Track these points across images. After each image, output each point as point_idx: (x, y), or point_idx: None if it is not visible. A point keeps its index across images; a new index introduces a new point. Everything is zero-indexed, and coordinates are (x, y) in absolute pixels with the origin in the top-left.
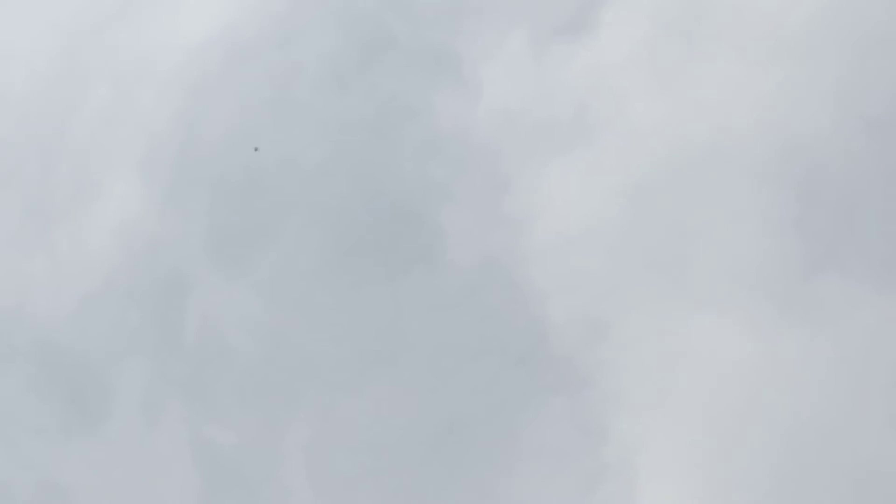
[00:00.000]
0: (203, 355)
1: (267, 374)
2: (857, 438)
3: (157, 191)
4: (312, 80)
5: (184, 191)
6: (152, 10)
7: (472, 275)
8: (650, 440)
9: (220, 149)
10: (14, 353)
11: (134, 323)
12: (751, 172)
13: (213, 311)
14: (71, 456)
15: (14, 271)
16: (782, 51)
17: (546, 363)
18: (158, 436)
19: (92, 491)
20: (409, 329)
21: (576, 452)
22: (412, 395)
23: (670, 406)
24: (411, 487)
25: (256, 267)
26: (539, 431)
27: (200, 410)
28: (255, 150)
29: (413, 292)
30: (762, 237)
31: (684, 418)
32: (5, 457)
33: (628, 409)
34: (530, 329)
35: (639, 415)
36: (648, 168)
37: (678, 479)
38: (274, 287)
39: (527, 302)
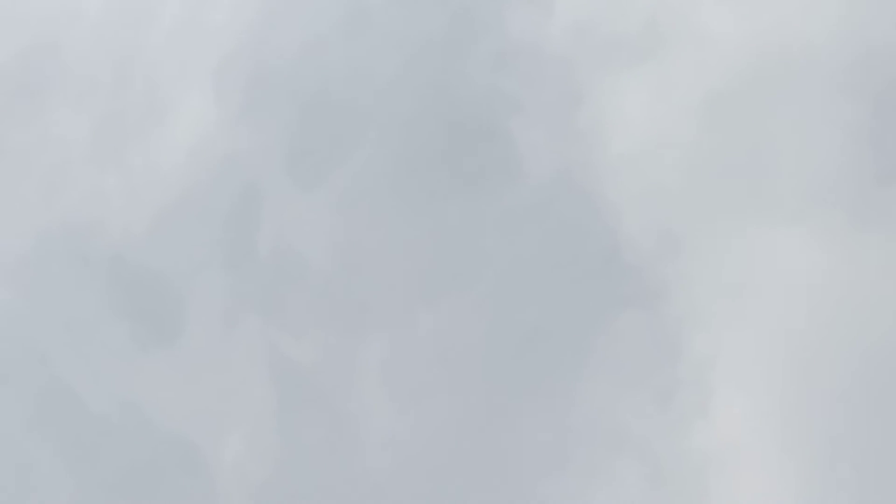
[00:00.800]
0: (278, 270)
1: (342, 289)
2: None
3: (230, 106)
4: None
5: (258, 105)
6: None
7: (546, 188)
8: (724, 354)
9: (293, 63)
10: (89, 270)
11: (208, 238)
12: (825, 83)
13: (288, 226)
14: (146, 372)
15: (88, 188)
16: None
17: (620, 277)
18: (234, 351)
19: (167, 406)
20: (484, 242)
21: (649, 367)
22: (487, 309)
23: (745, 319)
24: (488, 400)
25: (331, 182)
26: (613, 345)
27: (276, 326)
28: None
29: (486, 206)
30: (837, 148)
31: (759, 332)
32: (81, 373)
33: (702, 323)
34: (604, 242)
35: (713, 328)
36: (722, 80)
37: (753, 393)
38: (348, 201)
39: (600, 215)
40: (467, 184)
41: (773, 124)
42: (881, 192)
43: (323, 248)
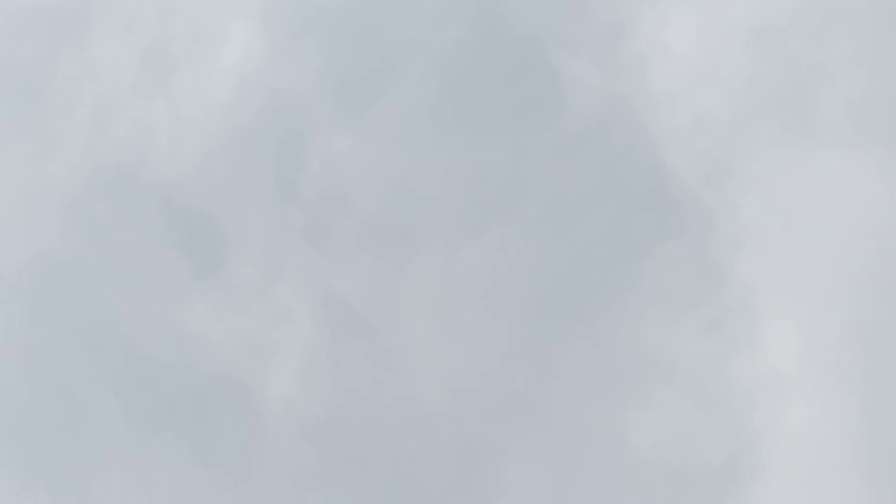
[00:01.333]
0: (324, 203)
1: (389, 221)
2: None
3: (277, 39)
4: None
5: (303, 39)
6: None
7: (592, 120)
8: (771, 282)
9: None
10: (136, 206)
11: (255, 171)
12: (874, 11)
13: (335, 159)
14: (194, 307)
15: (136, 121)
16: None
17: (666, 207)
18: (281, 286)
19: (215, 341)
20: (530, 174)
21: (696, 296)
22: (534, 240)
23: (792, 247)
24: (536, 331)
25: (375, 115)
26: (660, 275)
27: (323, 259)
28: None
29: (532, 138)
30: (886, 76)
31: (807, 259)
32: (129, 308)
33: (749, 251)
34: (652, 173)
35: (760, 256)
36: (770, 9)
37: (800, 321)
38: (393, 134)
39: (648, 145)
40: (513, 116)
41: (821, 54)
42: None
43: (369, 180)
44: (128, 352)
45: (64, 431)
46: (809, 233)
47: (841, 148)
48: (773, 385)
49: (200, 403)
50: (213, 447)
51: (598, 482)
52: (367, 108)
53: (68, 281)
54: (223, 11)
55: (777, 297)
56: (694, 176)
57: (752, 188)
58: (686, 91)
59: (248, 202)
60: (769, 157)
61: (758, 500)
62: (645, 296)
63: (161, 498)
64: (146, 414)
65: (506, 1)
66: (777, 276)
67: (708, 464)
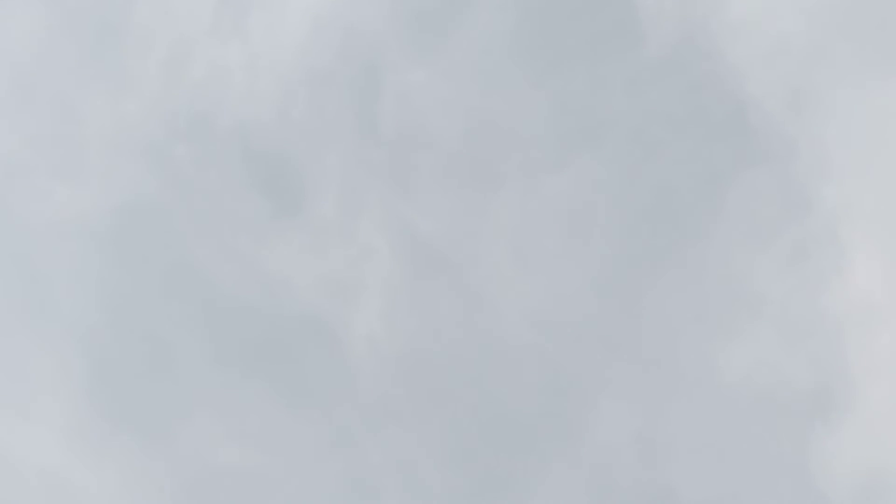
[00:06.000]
0: (402, 141)
1: (466, 156)
2: None
3: None
4: None
5: None
6: None
7: (670, 49)
8: (857, 209)
9: None
10: (213, 146)
11: (331, 111)
12: None
13: (411, 96)
14: (275, 249)
15: (211, 64)
16: None
17: (749, 135)
18: (362, 225)
19: (297, 281)
20: (608, 105)
21: (781, 224)
22: (614, 171)
23: (879, 174)
24: (619, 264)
25: (452, 49)
26: (743, 204)
27: (399, 196)
28: None
29: (610, 68)
30: None
31: (891, 184)
32: (211, 250)
33: (834, 179)
34: (732, 101)
35: (845, 184)
36: None
37: (888, 247)
38: (470, 68)
39: (727, 74)
40: (591, 46)
41: None
42: None
43: (446, 116)
44: (211, 295)
45: (150, 376)
46: (893, 158)
47: None
48: (863, 314)
49: (285, 344)
50: (299, 387)
51: (689, 413)
52: (443, 42)
53: (150, 225)
54: None
55: (864, 224)
56: (775, 104)
57: (835, 115)
58: (765, 18)
59: (327, 141)
60: (851, 83)
61: (848, 430)
62: (730, 226)
63: (249, 439)
64: (232, 356)
65: None
66: (863, 203)
67: (798, 393)
